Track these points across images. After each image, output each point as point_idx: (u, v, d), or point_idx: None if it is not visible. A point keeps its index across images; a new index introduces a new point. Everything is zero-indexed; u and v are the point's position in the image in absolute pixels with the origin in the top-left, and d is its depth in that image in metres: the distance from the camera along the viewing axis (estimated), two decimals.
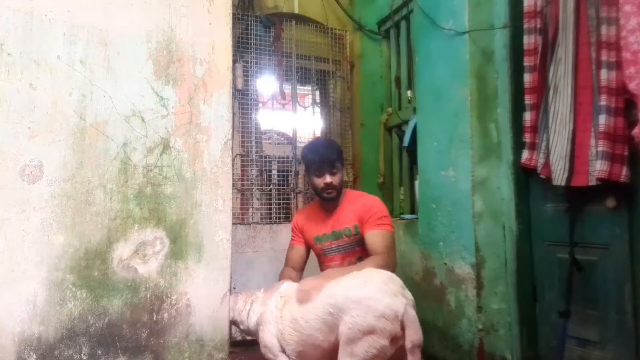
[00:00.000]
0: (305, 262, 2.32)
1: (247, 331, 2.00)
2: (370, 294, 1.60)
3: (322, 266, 2.26)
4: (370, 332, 1.55)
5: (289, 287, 1.97)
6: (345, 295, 1.63)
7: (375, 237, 2.08)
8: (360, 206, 2.16)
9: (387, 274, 1.74)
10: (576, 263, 2.02)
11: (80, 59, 1.67)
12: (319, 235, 2.22)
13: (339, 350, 1.61)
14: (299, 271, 2.28)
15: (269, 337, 1.84)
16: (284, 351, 1.81)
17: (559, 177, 2.04)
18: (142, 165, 1.73)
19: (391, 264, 2.04)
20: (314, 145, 2.28)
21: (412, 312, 1.61)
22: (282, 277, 2.22)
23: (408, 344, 1.59)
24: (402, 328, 1.58)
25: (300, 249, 2.30)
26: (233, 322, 1.99)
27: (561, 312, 2.05)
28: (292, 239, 2.33)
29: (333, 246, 2.19)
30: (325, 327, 1.66)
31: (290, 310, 1.79)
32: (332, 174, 2.14)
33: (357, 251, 2.17)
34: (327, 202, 2.21)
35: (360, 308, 1.57)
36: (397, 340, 1.58)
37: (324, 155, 2.16)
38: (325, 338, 1.67)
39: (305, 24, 3.55)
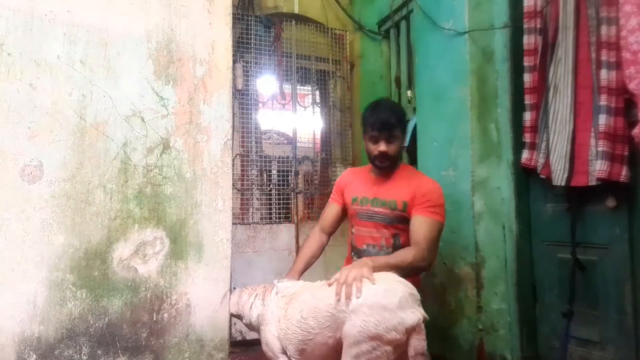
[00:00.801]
0: (337, 224, 2.26)
1: (249, 325, 2.00)
2: (388, 306, 1.58)
3: (352, 229, 2.17)
4: (376, 338, 1.56)
5: (290, 286, 1.96)
6: (362, 298, 1.63)
7: (420, 224, 1.93)
8: (418, 185, 2.01)
9: (408, 287, 1.67)
10: (579, 263, 2.02)
11: (80, 59, 1.67)
12: (359, 197, 2.10)
13: (343, 351, 1.61)
14: (327, 234, 2.24)
15: (270, 338, 1.84)
16: (285, 352, 1.81)
17: (559, 177, 2.04)
18: (142, 165, 1.73)
19: (428, 258, 1.93)
20: (376, 106, 2.07)
21: (421, 328, 1.62)
22: (308, 240, 2.25)
23: (411, 352, 1.60)
24: (408, 338, 1.59)
25: (335, 207, 2.23)
26: (236, 316, 1.99)
27: (564, 313, 2.05)
28: (331, 197, 2.29)
29: (370, 212, 2.06)
30: (335, 325, 1.66)
31: (298, 309, 1.77)
32: (389, 142, 1.98)
33: (394, 227, 2.02)
34: (380, 170, 2.08)
35: (374, 316, 1.56)
36: (400, 347, 1.59)
37: (383, 119, 1.97)
38: (332, 334, 1.67)
39: (305, 24, 3.55)
